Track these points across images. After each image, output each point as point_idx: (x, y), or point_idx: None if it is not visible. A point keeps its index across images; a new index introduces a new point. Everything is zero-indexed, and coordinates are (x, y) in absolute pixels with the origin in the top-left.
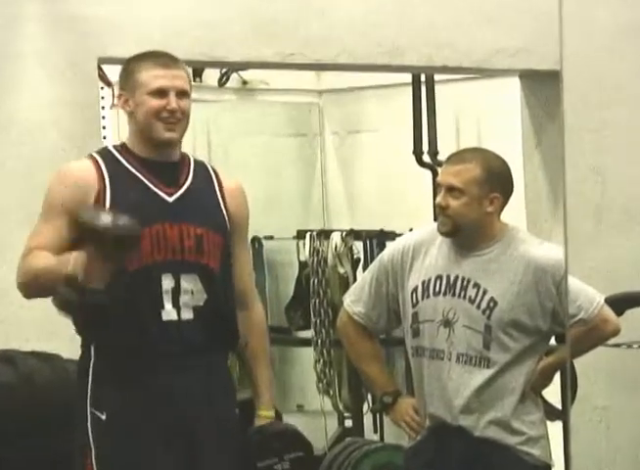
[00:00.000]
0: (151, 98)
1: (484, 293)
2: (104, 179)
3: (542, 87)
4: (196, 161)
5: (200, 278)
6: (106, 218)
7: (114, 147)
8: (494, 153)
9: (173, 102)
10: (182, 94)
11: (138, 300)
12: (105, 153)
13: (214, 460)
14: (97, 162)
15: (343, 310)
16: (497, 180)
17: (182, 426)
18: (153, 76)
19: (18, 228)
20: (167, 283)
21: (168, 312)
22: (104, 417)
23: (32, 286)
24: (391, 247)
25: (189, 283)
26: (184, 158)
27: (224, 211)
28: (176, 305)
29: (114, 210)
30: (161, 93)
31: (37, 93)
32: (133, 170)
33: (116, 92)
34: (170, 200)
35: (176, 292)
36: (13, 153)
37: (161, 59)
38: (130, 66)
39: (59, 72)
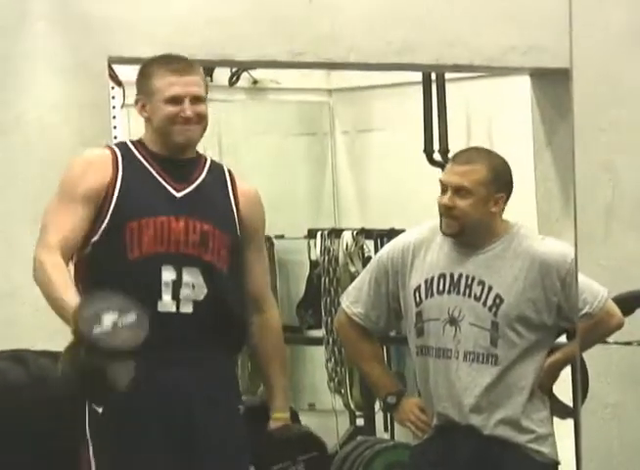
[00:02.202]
0: (166, 105)
1: (490, 290)
2: (117, 170)
3: (553, 85)
4: (213, 162)
5: (201, 273)
6: (107, 321)
7: (132, 142)
8: (496, 153)
9: (188, 109)
10: (197, 100)
11: (135, 289)
12: (122, 146)
13: (212, 454)
14: (114, 153)
15: (342, 311)
16: (502, 181)
17: (178, 419)
18: (167, 84)
19: (29, 229)
20: (168, 275)
21: (165, 304)
22: (100, 411)
23: (43, 294)
24: (390, 246)
25: (190, 276)
26: (200, 157)
27: (235, 213)
28: (176, 297)
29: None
30: (176, 100)
31: (47, 93)
32: (146, 165)
33: (135, 96)
34: (178, 195)
35: (177, 285)
36: (24, 153)
37: (176, 65)
38: (146, 71)
39: (69, 72)
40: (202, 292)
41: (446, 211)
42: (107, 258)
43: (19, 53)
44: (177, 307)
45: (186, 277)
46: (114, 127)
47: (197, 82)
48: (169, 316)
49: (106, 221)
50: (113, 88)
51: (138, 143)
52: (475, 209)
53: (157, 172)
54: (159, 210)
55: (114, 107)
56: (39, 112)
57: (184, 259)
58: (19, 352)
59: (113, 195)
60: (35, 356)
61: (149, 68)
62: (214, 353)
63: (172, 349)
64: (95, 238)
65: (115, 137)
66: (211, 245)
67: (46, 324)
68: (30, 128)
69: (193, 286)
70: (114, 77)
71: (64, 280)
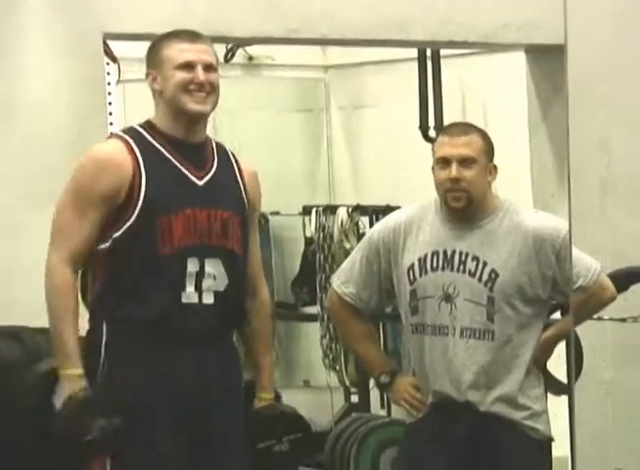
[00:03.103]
0: (178, 71)
1: (485, 265)
2: (138, 161)
3: (548, 62)
4: (217, 143)
5: (222, 263)
6: (96, 427)
7: (141, 126)
8: (476, 125)
9: (201, 75)
10: (209, 68)
11: (163, 282)
12: (133, 133)
13: (227, 443)
14: (128, 143)
15: (333, 291)
16: (492, 149)
17: (194, 407)
18: (179, 50)
19: (25, 207)
20: (192, 266)
21: (189, 295)
22: (121, 384)
23: (47, 310)
24: (381, 225)
25: (212, 267)
26: (207, 139)
27: (244, 196)
28: (199, 288)
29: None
30: (189, 66)
31: (42, 70)
32: (164, 151)
33: (145, 73)
34: (200, 183)
35: (200, 275)
36: (19, 130)
37: (187, 34)
38: (156, 44)
39: (64, 48)
40: (223, 283)
41: (454, 184)
42: (133, 253)
43: (13, 29)
44: (200, 298)
45: (208, 268)
46: (110, 103)
47: (208, 51)
48: (192, 307)
49: (132, 218)
50: (108, 64)
51: (148, 126)
52: (480, 177)
53: (176, 160)
54: (185, 202)
55: (109, 83)
56: (34, 88)
57: (208, 251)
58: (14, 328)
59: (139, 191)
60: (32, 333)
61: (159, 42)
62: (228, 338)
63: (192, 338)
64: (117, 234)
65: (111, 114)
66: (231, 232)
67: (43, 305)
68: (26, 105)
69: (214, 277)
70: (109, 53)
71: (68, 310)
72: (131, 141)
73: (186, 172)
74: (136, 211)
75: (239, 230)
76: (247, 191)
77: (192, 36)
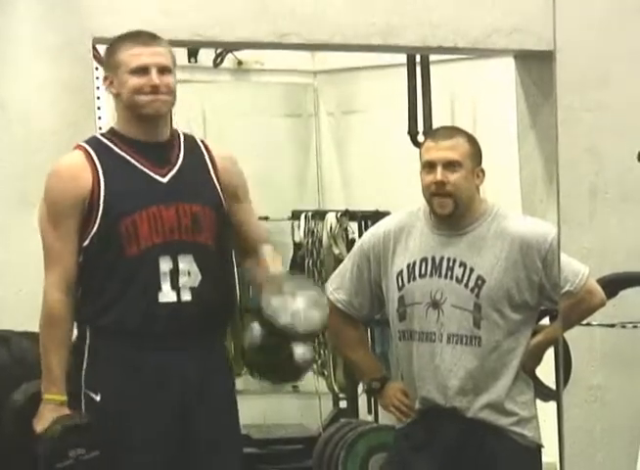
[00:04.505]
0: (133, 76)
1: (471, 271)
2: (97, 169)
3: (537, 68)
4: (185, 135)
5: (194, 259)
6: (72, 455)
7: (103, 135)
8: (465, 130)
9: (155, 78)
10: (164, 70)
11: (136, 283)
12: (94, 142)
13: (210, 443)
14: (87, 151)
15: (329, 299)
16: (479, 153)
17: (177, 408)
18: (133, 55)
19: (14, 209)
20: (165, 265)
21: (166, 294)
22: (98, 398)
23: (40, 335)
24: (371, 233)
25: (185, 264)
26: (173, 135)
27: (217, 186)
28: (175, 286)
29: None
30: (143, 70)
31: (32, 73)
32: (124, 154)
33: (103, 76)
34: (164, 180)
35: (175, 273)
36: (8, 133)
37: (141, 38)
38: (112, 47)
39: (54, 53)
40: (196, 279)
41: (439, 188)
42: (102, 259)
43: (2, 34)
44: (178, 296)
45: (182, 265)
46: (99, 108)
47: (163, 53)
48: (170, 306)
49: (96, 225)
50: (97, 69)
51: (110, 133)
52: (465, 181)
53: (136, 161)
54: (148, 200)
55: (98, 87)
56: (24, 92)
57: (179, 247)
58: (2, 333)
59: (99, 197)
60: (19, 337)
61: (114, 44)
62: (212, 336)
63: (173, 337)
64: (85, 243)
65: (100, 118)
66: (203, 225)
67: (29, 305)
68: (16, 109)
69: (189, 273)
70: (98, 58)
71: (55, 339)
72: (91, 150)
73: (148, 171)
74: (98, 218)
75: (212, 222)
76: (221, 179)
77: (146, 39)
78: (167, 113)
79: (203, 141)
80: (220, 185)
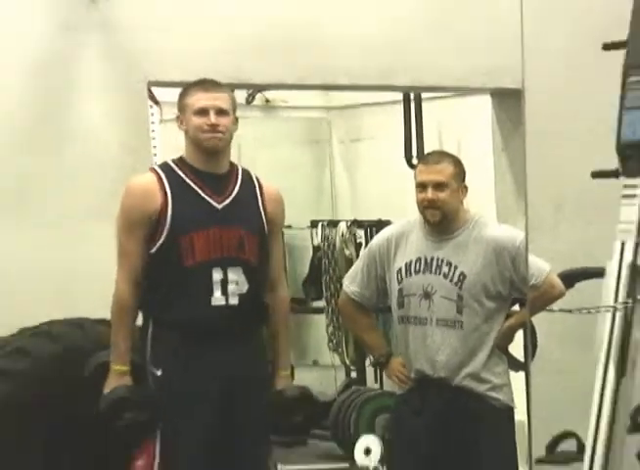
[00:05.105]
0: (195, 117)
1: (455, 269)
2: (165, 191)
3: (509, 102)
4: (243, 170)
5: (243, 271)
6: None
7: (173, 161)
8: (451, 153)
9: (213, 118)
10: (221, 112)
11: (192, 288)
12: (165, 168)
13: (248, 417)
14: (159, 175)
15: (343, 291)
16: (463, 173)
17: (220, 385)
18: (196, 99)
19: (91, 220)
20: (217, 275)
21: (217, 299)
22: (159, 373)
23: (112, 320)
24: (377, 238)
25: (234, 275)
26: (232, 168)
27: (263, 217)
28: (225, 292)
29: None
30: (203, 112)
31: (100, 110)
32: (189, 181)
33: (172, 114)
34: (219, 207)
35: (225, 282)
36: (84, 160)
37: (204, 84)
38: (182, 93)
39: (117, 93)
40: (244, 287)
41: (430, 204)
42: (164, 266)
43: (76, 77)
44: (226, 301)
45: (231, 275)
46: (153, 139)
47: (222, 98)
48: (220, 308)
49: (162, 238)
50: (151, 107)
51: (179, 161)
52: (451, 197)
53: (199, 188)
54: (205, 223)
55: (152, 122)
56: (93, 126)
57: (228, 261)
58: (79, 320)
59: (166, 215)
60: (93, 323)
61: (184, 90)
62: (253, 333)
63: (221, 334)
64: (153, 250)
65: (155, 147)
66: (247, 247)
67: (102, 297)
68: (89, 140)
69: (237, 282)
70: (152, 98)
71: (122, 322)
72: (162, 174)
73: (207, 198)
74: (164, 233)
75: (255, 245)
76: (267, 211)
77: (208, 85)
78: (225, 148)
79: (257, 178)
80: (265, 217)
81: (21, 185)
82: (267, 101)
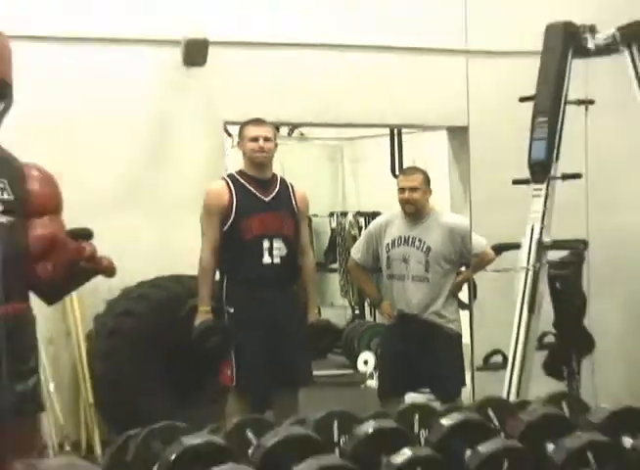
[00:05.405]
0: (250, 142)
1: (424, 243)
2: (231, 191)
3: (459, 136)
4: (281, 178)
5: (282, 241)
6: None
7: (236, 172)
8: (420, 168)
9: (261, 143)
10: (266, 139)
11: (250, 253)
12: (231, 176)
13: (289, 334)
14: (227, 182)
15: (351, 258)
16: (428, 182)
17: (271, 317)
18: (251, 131)
19: (186, 211)
20: (266, 244)
21: (266, 259)
22: (232, 311)
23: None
24: (373, 224)
25: (277, 244)
26: (274, 176)
27: (295, 207)
28: (271, 255)
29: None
30: (255, 139)
31: (192, 141)
32: (246, 184)
33: (236, 141)
34: (267, 199)
35: (271, 249)
36: (180, 173)
37: (256, 121)
38: (241, 127)
39: (203, 129)
40: (283, 252)
41: (407, 201)
42: (231, 239)
43: (177, 118)
44: (271, 261)
45: (275, 244)
46: (227, 160)
47: (267, 130)
48: (269, 266)
49: (229, 221)
50: (226, 138)
51: (239, 172)
52: (421, 196)
53: (253, 188)
54: (257, 210)
55: (226, 148)
56: (188, 150)
57: (273, 235)
58: (177, 276)
59: (232, 207)
60: (189, 278)
61: (242, 125)
62: (289, 283)
63: (270, 281)
64: (224, 229)
65: (227, 168)
66: (285, 225)
67: (192, 260)
68: (184, 159)
69: (279, 249)
70: (227, 131)
71: (206, 278)
72: (229, 181)
73: (258, 194)
74: (231, 218)
75: (290, 224)
76: (297, 203)
77: (258, 122)
78: (268, 162)
79: (291, 183)
80: (296, 207)
81: (143, 188)
82: (301, 134)
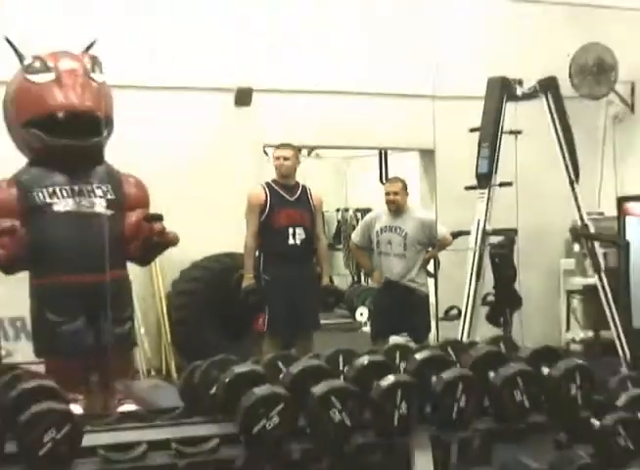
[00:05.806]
0: (277, 160)
1: (403, 231)
2: (267, 195)
3: (428, 157)
4: (302, 185)
5: (303, 229)
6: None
7: (270, 180)
8: (400, 178)
9: (281, 161)
10: (285, 159)
11: (279, 237)
12: (266, 183)
13: (307, 295)
14: (263, 187)
15: (352, 241)
16: (406, 187)
17: (294, 282)
18: (276, 152)
19: (235, 208)
20: (291, 231)
21: (291, 241)
22: (268, 278)
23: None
24: (367, 216)
25: (299, 231)
26: (297, 183)
27: (312, 205)
28: (294, 238)
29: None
30: (278, 158)
31: (239, 160)
32: (277, 188)
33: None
34: (292, 199)
35: (294, 234)
36: (230, 183)
37: (280, 146)
38: (275, 149)
39: (248, 150)
40: (303, 236)
41: (392, 201)
42: (267, 227)
43: (227, 144)
44: (295, 242)
45: (297, 231)
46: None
47: (287, 152)
48: (293, 246)
49: (265, 214)
50: (264, 157)
51: (272, 180)
52: (402, 198)
53: (282, 191)
54: (284, 206)
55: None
56: (236, 167)
57: (296, 224)
58: (230, 253)
59: (267, 204)
60: (237, 255)
61: (275, 148)
62: (309, 260)
63: (294, 259)
64: (262, 220)
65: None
66: (305, 218)
67: (239, 242)
68: (233, 174)
69: (300, 234)
70: (265, 153)
71: (249, 255)
72: (265, 187)
73: (285, 195)
74: (266, 212)
75: (308, 218)
76: (313, 202)
77: (282, 146)
78: (292, 173)
79: (309, 188)
80: (313, 205)
81: (206, 193)
82: (317, 154)
